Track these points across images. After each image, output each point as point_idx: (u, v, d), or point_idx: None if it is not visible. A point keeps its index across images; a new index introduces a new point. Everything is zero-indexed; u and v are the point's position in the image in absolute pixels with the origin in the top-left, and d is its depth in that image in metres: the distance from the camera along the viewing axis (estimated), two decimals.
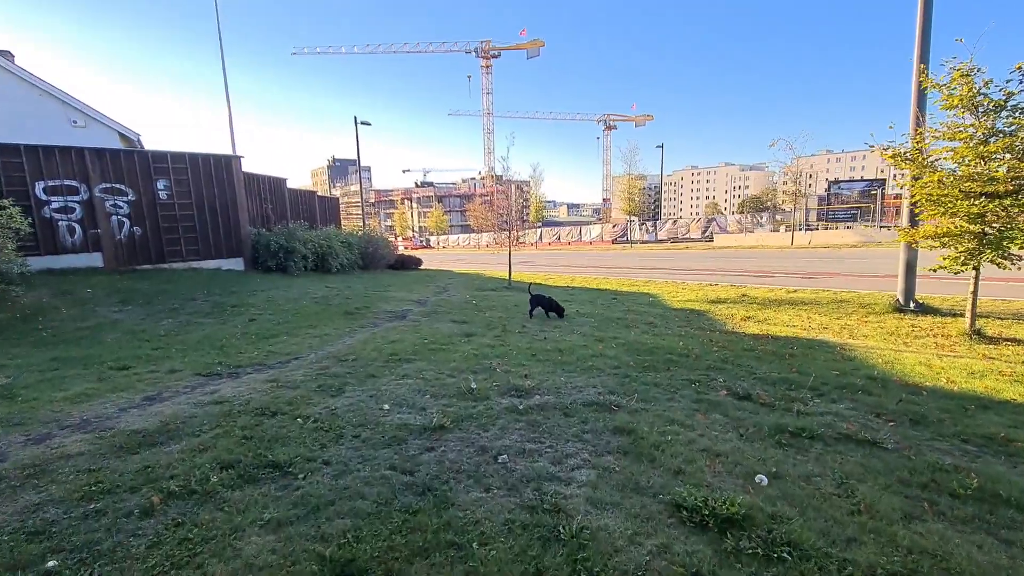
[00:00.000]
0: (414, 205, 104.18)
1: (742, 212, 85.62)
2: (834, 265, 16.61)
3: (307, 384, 4.44)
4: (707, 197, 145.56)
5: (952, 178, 5.84)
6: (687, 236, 41.32)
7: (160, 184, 13.24)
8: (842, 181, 38.66)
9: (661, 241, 42.72)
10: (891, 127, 6.90)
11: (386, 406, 3.78)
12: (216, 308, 9.23)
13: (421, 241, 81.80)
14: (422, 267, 24.69)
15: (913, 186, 6.31)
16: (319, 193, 20.89)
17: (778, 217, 37.84)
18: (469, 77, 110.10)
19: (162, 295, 10.11)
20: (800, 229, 28.84)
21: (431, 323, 8.10)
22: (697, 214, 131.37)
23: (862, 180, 40.89)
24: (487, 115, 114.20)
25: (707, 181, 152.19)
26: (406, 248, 68.75)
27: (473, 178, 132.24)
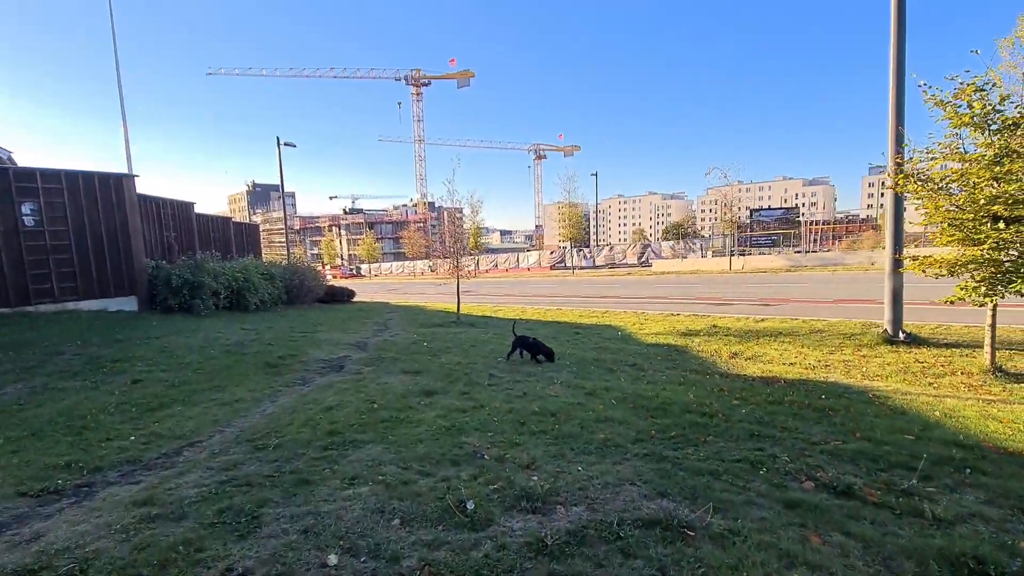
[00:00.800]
0: (343, 232, 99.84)
1: (666, 238, 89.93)
2: (779, 290, 16.74)
3: (200, 509, 2.85)
4: (634, 224, 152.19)
5: (972, 201, 5.34)
6: (624, 262, 41.93)
7: (26, 208, 10.76)
8: (763, 209, 41.12)
9: (599, 267, 43.02)
10: (883, 153, 6.45)
11: (332, 558, 2.32)
12: (89, 365, 7.13)
13: (351, 270, 78.01)
14: (355, 299, 22.67)
15: (928, 210, 5.81)
16: (235, 219, 18.51)
17: (712, 243, 39.33)
18: (400, 104, 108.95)
19: (16, 348, 7.80)
20: (731, 254, 29.82)
21: (377, 376, 6.57)
22: (625, 239, 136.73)
23: (780, 208, 43.75)
24: (418, 142, 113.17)
25: (633, 209, 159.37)
26: (335, 277, 65.22)
27: (405, 205, 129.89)
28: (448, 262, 13.06)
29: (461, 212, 13.04)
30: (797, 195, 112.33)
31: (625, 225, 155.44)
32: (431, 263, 67.90)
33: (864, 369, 6.07)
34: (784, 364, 6.65)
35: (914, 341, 7.09)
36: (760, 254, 31.46)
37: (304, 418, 4.72)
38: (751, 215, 39.67)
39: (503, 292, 23.66)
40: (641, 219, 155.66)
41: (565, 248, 48.73)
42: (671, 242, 40.45)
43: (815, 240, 34.40)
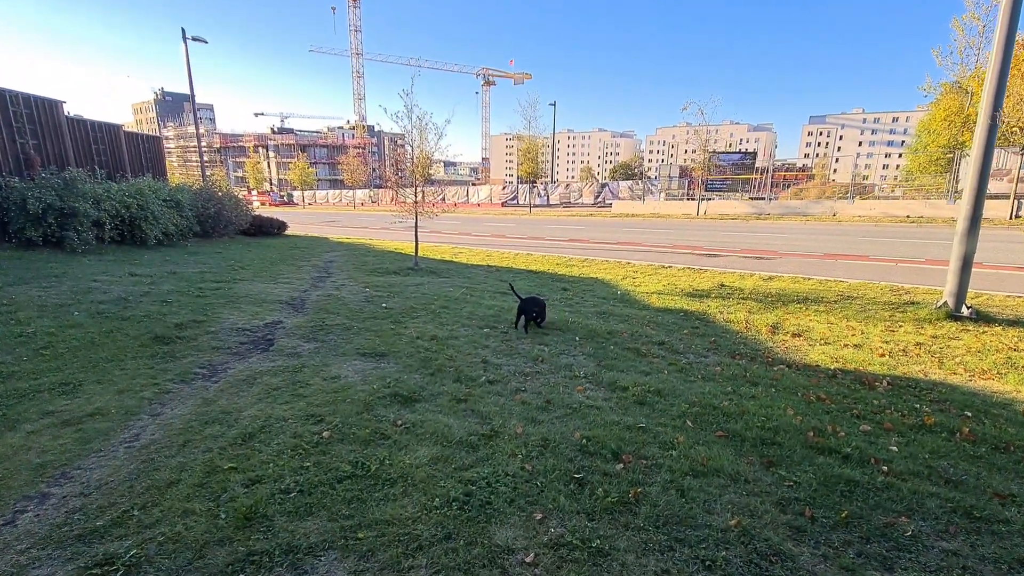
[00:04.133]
0: (271, 154, 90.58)
1: (614, 178, 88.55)
2: (761, 240, 15.78)
3: None
4: (582, 161, 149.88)
5: None
6: (579, 201, 40.29)
7: None
8: (722, 153, 40.27)
9: (553, 205, 41.21)
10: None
11: None
12: None
13: (282, 197, 71.48)
14: (288, 232, 19.75)
15: None
16: (126, 128, 14.78)
17: (661, 184, 38.26)
18: (334, 9, 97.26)
19: None
20: (700, 199, 28.86)
21: (323, 362, 4.60)
22: (573, 176, 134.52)
23: (738, 152, 43.23)
24: (356, 56, 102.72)
25: (582, 145, 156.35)
26: (262, 204, 59.35)
27: (341, 128, 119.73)
28: (408, 193, 10.76)
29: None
30: (742, 140, 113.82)
31: (573, 162, 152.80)
32: (371, 193, 63.22)
33: (960, 359, 4.83)
34: (848, 346, 5.33)
35: (981, 318, 6.00)
36: (721, 199, 30.78)
37: (201, 467, 2.77)
38: (708, 158, 38.80)
39: (457, 230, 21.42)
40: (589, 156, 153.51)
41: (517, 184, 46.31)
42: (628, 182, 39.08)
43: (770, 187, 34.19)
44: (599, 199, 39.01)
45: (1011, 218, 17.83)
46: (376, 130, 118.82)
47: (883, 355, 5.02)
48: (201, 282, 8.09)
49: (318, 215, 41.06)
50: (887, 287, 8.08)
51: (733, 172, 36.92)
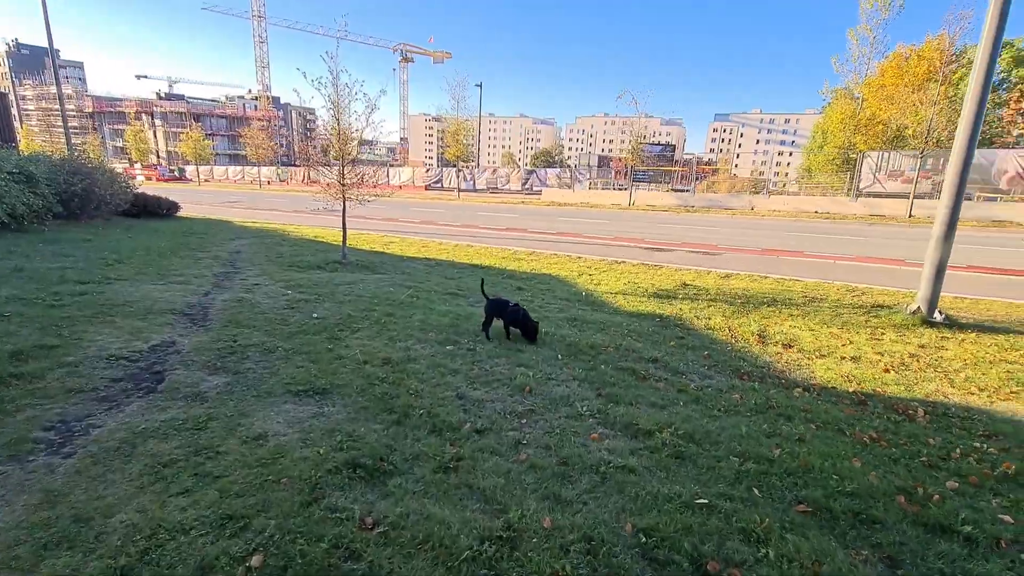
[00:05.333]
0: (157, 123, 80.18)
1: (535, 165, 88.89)
2: (700, 234, 15.90)
3: None
4: (503, 147, 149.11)
5: None
6: (507, 187, 39.44)
7: None
8: (647, 144, 41.07)
9: (480, 191, 40.04)
10: None
11: None
12: None
13: (172, 172, 63.65)
14: (180, 214, 17.06)
15: None
16: None
17: (593, 174, 38.50)
18: None
19: None
20: (632, 189, 29.02)
21: (239, 408, 3.34)
22: (494, 162, 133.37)
23: (659, 144, 44.55)
24: (258, 19, 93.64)
25: (503, 130, 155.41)
26: (149, 180, 52.39)
27: (242, 97, 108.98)
28: (333, 173, 9.24)
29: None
30: (655, 133, 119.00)
31: (495, 147, 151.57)
32: (279, 171, 57.89)
33: (965, 375, 4.55)
34: (845, 359, 4.96)
35: (953, 324, 5.94)
36: (647, 190, 31.37)
37: None
38: (640, 148, 39.56)
39: (382, 215, 19.67)
40: (511, 142, 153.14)
41: (441, 166, 44.61)
42: (556, 170, 38.85)
43: (694, 180, 35.52)
44: (526, 185, 38.45)
45: (909, 216, 19.61)
46: (283, 103, 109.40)
47: (887, 370, 4.67)
48: (58, 283, 6.20)
49: (217, 194, 36.67)
50: (843, 287, 8.07)
51: (655, 163, 37.93)
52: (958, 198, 5.71)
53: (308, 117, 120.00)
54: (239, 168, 60.70)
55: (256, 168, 52.18)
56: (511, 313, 5.04)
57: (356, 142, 9.46)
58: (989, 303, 7.12)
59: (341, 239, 9.92)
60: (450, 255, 11.04)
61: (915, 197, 19.56)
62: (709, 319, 6.33)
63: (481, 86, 39.20)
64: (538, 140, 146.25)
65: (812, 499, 2.55)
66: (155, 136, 79.02)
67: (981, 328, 5.88)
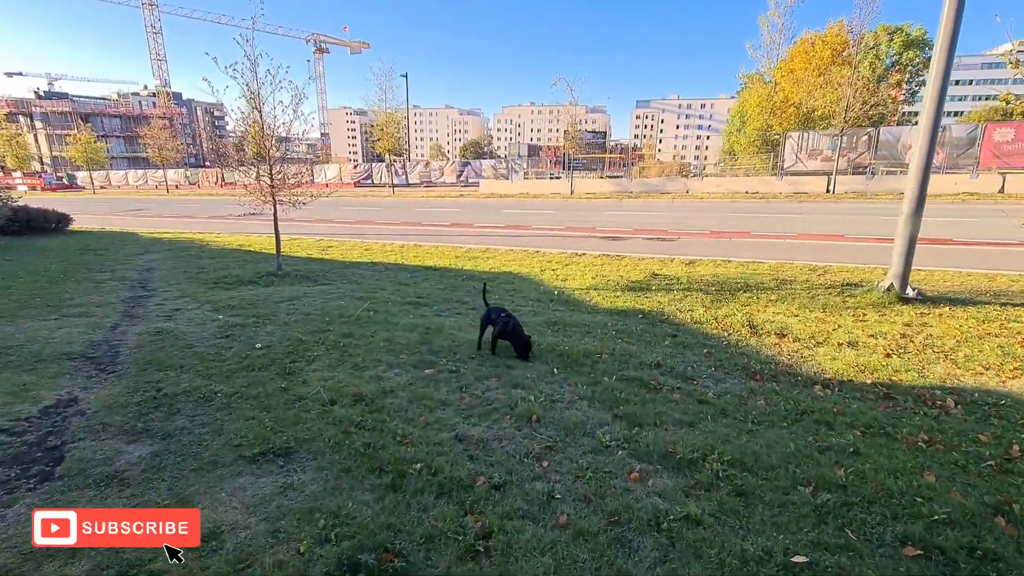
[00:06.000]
0: (38, 124, 70.92)
1: (465, 156, 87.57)
2: (648, 220, 15.91)
3: None
4: (431, 139, 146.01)
5: None
6: (441, 180, 38.25)
7: None
8: (583, 132, 41.29)
9: (414, 185, 38.59)
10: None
11: None
12: None
13: (60, 179, 56.76)
14: (73, 227, 14.89)
15: None
16: None
17: (524, 163, 38.16)
18: None
19: None
20: (544, 177, 28.97)
21: (175, 488, 2.52)
22: (423, 155, 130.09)
23: (591, 131, 45.01)
24: (149, 7, 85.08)
25: (430, 122, 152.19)
26: (32, 190, 46.39)
27: (136, 94, 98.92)
28: (258, 173, 8.14)
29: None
30: (582, 121, 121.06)
31: (422, 139, 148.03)
32: (187, 174, 52.94)
33: (964, 354, 4.46)
34: (842, 345, 4.79)
35: (926, 299, 6.01)
36: (583, 177, 31.46)
37: None
38: (578, 136, 39.66)
39: (314, 216, 18.10)
40: (438, 134, 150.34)
41: (371, 162, 42.70)
42: (492, 161, 38.09)
43: (630, 166, 36.14)
44: (461, 177, 37.48)
45: (828, 192, 20.83)
46: (185, 99, 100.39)
47: (888, 355, 4.53)
48: None
49: (117, 202, 32.85)
50: (805, 267, 8.12)
51: (589, 151, 38.28)
52: (925, 174, 5.75)
53: (216, 113, 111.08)
54: (141, 172, 54.91)
55: (161, 171, 47.39)
56: (501, 323, 4.44)
57: (282, 137, 8.39)
58: (943, 274, 7.38)
59: (274, 247, 8.82)
60: (398, 257, 10.19)
61: (833, 173, 20.83)
62: (691, 311, 6.03)
63: (407, 77, 37.67)
64: (466, 131, 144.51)
65: (915, 536, 2.18)
66: (36, 140, 69.88)
67: (951, 301, 5.98)
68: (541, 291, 7.28)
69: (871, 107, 21.17)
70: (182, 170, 53.09)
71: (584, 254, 9.94)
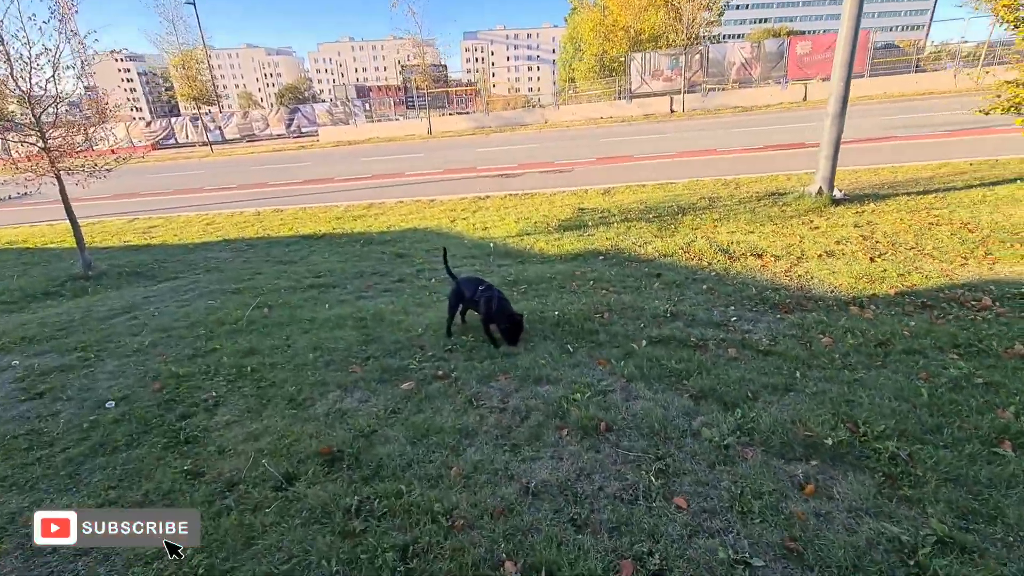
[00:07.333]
0: None
1: (283, 102, 76.86)
2: (528, 153, 15.06)
3: None
4: (236, 86, 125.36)
5: None
6: (266, 132, 32.65)
7: None
8: (411, 66, 37.90)
9: (232, 141, 32.45)
10: None
11: None
12: None
13: None
14: None
15: None
16: None
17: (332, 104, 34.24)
18: None
19: None
20: (396, 117, 26.40)
21: None
22: (230, 106, 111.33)
23: (436, 65, 41.78)
24: None
25: (231, 67, 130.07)
26: None
27: None
28: (24, 141, 5.47)
29: (23, 33, 5.22)
30: (409, 56, 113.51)
31: (226, 87, 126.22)
32: None
33: (932, 246, 4.53)
34: (822, 256, 4.59)
35: (854, 198, 6.18)
36: (435, 116, 29.17)
37: None
38: (402, 71, 36.29)
39: (110, 192, 13.91)
40: (245, 80, 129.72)
41: (170, 117, 34.84)
42: (326, 105, 33.31)
43: (485, 103, 34.30)
44: (292, 128, 32.44)
45: (672, 112, 22.03)
46: None
47: (872, 260, 4.43)
48: None
49: None
50: (718, 182, 8.10)
51: (436, 87, 35.63)
52: (848, 75, 5.70)
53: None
54: None
55: None
56: (485, 303, 3.29)
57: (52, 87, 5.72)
58: (840, 173, 7.83)
59: (65, 239, 6.22)
60: (259, 228, 8.03)
61: (681, 92, 22.05)
62: (649, 244, 5.47)
63: (195, 4, 30.44)
64: (279, 75, 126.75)
65: None
66: None
67: (871, 197, 6.26)
68: (469, 245, 6.12)
69: (704, 24, 22.46)
70: None
71: (489, 196, 8.84)
